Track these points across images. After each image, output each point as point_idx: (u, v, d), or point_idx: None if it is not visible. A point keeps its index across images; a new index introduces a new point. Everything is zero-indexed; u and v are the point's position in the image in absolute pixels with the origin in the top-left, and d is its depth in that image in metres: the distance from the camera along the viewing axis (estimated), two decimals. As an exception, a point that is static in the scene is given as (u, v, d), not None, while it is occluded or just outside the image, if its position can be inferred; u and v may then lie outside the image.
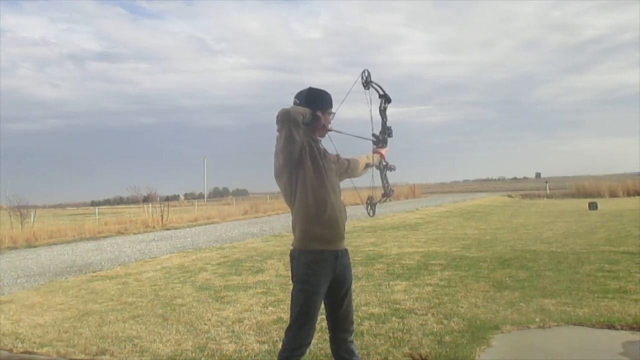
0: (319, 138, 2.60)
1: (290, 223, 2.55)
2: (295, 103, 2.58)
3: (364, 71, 2.85)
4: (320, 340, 3.83)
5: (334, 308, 2.57)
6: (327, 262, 2.45)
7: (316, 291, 2.43)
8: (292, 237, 2.56)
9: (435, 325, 4.17)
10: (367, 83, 2.83)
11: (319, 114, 2.54)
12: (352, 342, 2.62)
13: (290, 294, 2.53)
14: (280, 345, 3.83)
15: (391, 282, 5.97)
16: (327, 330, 2.66)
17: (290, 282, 2.54)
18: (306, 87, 2.61)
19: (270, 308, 5.04)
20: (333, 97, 2.64)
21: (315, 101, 2.56)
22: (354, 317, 2.70)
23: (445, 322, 4.25)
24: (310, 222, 2.43)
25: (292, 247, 2.53)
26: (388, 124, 2.91)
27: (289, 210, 2.55)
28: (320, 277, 2.44)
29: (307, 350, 2.54)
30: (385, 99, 2.90)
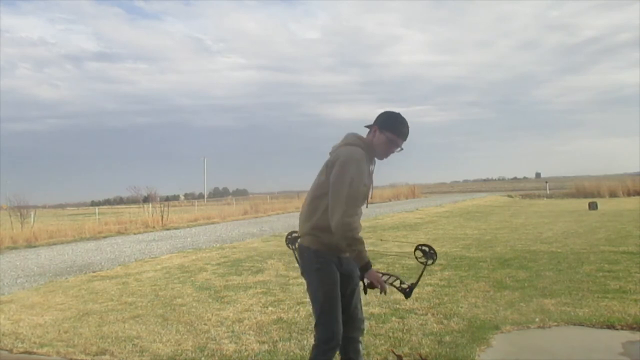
0: (376, 160, 2.59)
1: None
2: (381, 126, 2.51)
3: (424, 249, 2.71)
4: (320, 340, 3.84)
5: (344, 305, 2.57)
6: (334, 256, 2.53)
7: (333, 277, 2.48)
8: None
9: (435, 325, 4.17)
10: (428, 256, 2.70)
11: (394, 136, 2.51)
12: (360, 342, 2.63)
13: (307, 290, 2.56)
14: (279, 345, 3.84)
15: (391, 282, 5.96)
16: None
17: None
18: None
19: (270, 308, 5.04)
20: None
21: (397, 128, 2.53)
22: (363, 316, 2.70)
23: (445, 322, 4.25)
24: (330, 243, 2.47)
25: (300, 243, 2.56)
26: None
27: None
28: (332, 264, 2.49)
29: (340, 340, 2.48)
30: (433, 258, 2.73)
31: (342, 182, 2.37)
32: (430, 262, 2.68)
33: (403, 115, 2.58)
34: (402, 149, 2.56)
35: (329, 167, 2.48)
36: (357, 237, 2.40)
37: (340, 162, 2.41)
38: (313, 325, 2.54)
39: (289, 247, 3.01)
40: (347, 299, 2.57)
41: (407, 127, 2.55)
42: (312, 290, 2.52)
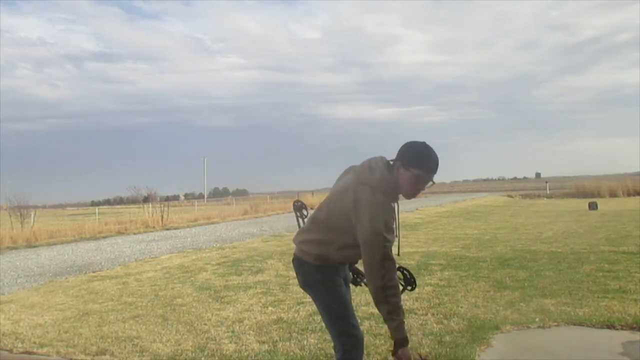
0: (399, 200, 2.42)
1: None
2: (405, 162, 2.23)
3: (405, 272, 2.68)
4: (320, 340, 3.84)
5: None
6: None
7: (340, 283, 2.43)
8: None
9: (435, 325, 4.17)
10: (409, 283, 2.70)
11: (421, 172, 2.23)
12: None
13: (315, 303, 2.46)
14: (279, 345, 3.83)
15: (391, 282, 5.96)
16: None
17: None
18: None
19: (270, 308, 5.04)
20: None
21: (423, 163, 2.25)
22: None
23: (445, 322, 4.25)
24: (334, 263, 2.42)
25: (299, 255, 2.47)
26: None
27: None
28: (336, 274, 2.44)
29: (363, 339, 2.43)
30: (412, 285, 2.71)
31: (375, 244, 2.15)
32: (409, 288, 2.68)
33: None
34: (433, 182, 2.29)
35: (346, 201, 2.24)
36: (401, 305, 2.17)
37: (367, 222, 2.15)
38: (333, 336, 2.41)
39: (296, 214, 2.98)
40: None
41: (435, 159, 2.25)
42: (323, 303, 2.40)
